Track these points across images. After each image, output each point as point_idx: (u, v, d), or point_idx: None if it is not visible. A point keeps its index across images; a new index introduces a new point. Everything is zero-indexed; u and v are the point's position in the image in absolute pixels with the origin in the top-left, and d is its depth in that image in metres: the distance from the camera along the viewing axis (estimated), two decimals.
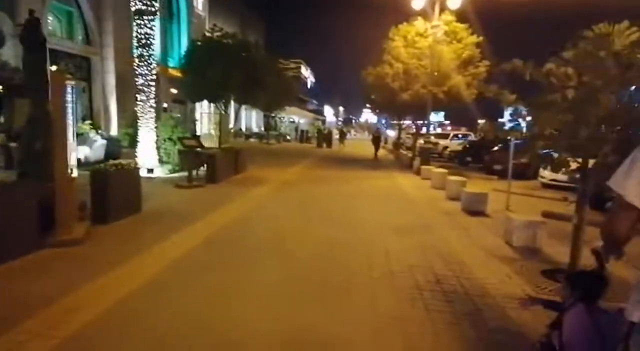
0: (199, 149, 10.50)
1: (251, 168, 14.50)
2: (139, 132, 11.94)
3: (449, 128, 31.56)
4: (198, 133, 27.54)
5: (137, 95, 11.93)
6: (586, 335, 1.65)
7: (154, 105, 12.18)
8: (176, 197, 9.22)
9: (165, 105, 24.05)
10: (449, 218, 8.32)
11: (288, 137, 38.78)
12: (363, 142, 41.68)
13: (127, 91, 17.29)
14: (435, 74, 18.47)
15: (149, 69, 11.95)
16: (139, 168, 7.72)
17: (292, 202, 9.22)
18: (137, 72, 11.88)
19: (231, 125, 37.84)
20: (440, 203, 9.89)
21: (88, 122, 15.77)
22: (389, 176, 15.22)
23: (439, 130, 33.65)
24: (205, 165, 10.90)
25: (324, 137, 31.81)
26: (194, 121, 27.81)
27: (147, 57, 11.88)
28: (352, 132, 60.05)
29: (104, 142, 13.09)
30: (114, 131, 19.22)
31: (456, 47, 19.16)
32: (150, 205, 7.72)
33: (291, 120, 45.76)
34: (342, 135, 37.39)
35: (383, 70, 20.47)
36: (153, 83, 12.08)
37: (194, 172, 10.45)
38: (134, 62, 12.00)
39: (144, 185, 7.86)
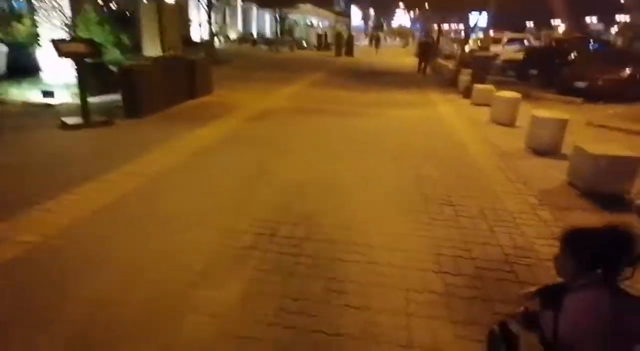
0: (88, 60, 6.24)
1: (226, 88, 10.22)
2: (40, 32, 7.72)
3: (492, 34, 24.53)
4: (200, 38, 22.55)
5: None
6: (600, 327, 1.17)
7: None
8: (28, 150, 5.34)
9: None
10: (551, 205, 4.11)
11: (304, 44, 32.93)
12: (394, 50, 35.40)
13: None
14: None
15: None
16: None
17: (248, 162, 5.17)
18: None
19: (239, 28, 32.01)
20: (524, 167, 5.56)
21: None
22: (424, 100, 10.59)
23: (480, 35, 26.81)
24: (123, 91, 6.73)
25: (344, 43, 25.97)
26: (187, 22, 22.67)
27: None
28: (387, 39, 52.11)
29: (3, 49, 8.96)
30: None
31: None
32: None
33: (309, 23, 38.92)
34: (377, 41, 31.36)
35: None
36: None
37: (96, 100, 6.37)
38: None
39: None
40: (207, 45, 18.00)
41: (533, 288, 1.66)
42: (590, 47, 16.48)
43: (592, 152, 4.24)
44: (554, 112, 6.33)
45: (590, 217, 3.81)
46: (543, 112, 6.18)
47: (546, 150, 5.85)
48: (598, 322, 1.21)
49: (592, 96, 11.05)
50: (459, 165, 5.26)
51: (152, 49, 11.25)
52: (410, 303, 2.56)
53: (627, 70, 11.39)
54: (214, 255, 3.03)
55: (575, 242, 1.40)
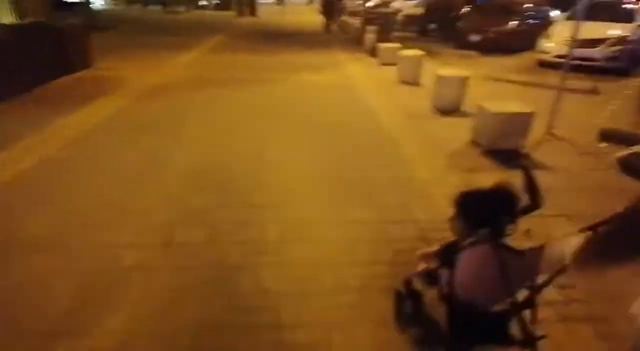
0: None
1: (110, 60, 8.89)
2: None
3: None
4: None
5: None
6: (489, 276, 1.34)
7: None
8: None
9: None
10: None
11: (204, 2, 30.30)
12: (300, 8, 34.20)
13: None
14: None
15: None
16: None
17: (135, 153, 4.46)
18: None
19: None
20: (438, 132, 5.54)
21: None
22: (332, 61, 10.26)
23: None
24: None
25: (247, 2, 24.35)
26: None
27: None
28: None
29: None
30: None
31: None
32: None
33: None
34: None
35: None
36: None
37: None
38: None
39: None
40: (84, 8, 15.54)
41: (431, 249, 1.78)
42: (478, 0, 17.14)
43: (492, 110, 4.29)
44: (456, 70, 6.41)
45: (492, 177, 3.88)
46: (446, 71, 6.22)
47: (451, 108, 5.94)
48: (485, 272, 1.36)
49: (485, 49, 11.62)
50: (371, 134, 5.08)
51: (4, 16, 9.22)
52: (328, 311, 2.31)
53: (513, 23, 12.08)
54: (83, 286, 2.43)
55: (464, 204, 1.55)
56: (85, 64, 7.96)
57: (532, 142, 4.52)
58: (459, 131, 5.03)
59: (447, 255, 1.58)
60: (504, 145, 4.30)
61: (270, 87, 7.33)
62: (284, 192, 3.59)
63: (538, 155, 4.33)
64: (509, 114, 4.21)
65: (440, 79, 6.02)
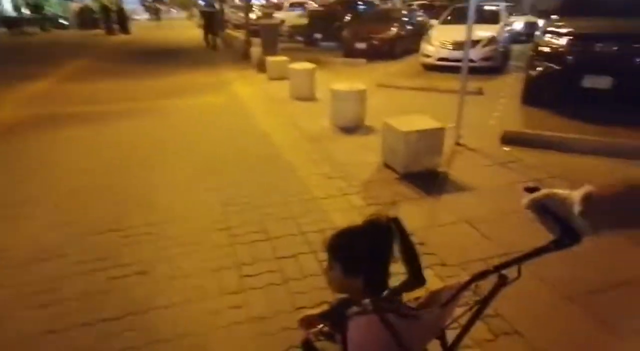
0: None
1: None
2: None
3: None
4: None
5: None
6: (385, 347, 1.13)
7: None
8: None
9: None
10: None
11: (64, 22, 26.65)
12: (179, 22, 32.20)
13: None
14: None
15: None
16: None
17: None
18: None
19: None
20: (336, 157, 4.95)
21: None
22: (218, 80, 9.28)
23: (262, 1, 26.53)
24: None
25: (115, 17, 21.78)
26: None
27: None
28: (170, 10, 47.19)
29: None
30: None
31: None
32: None
33: None
34: (156, 13, 28.21)
35: None
36: None
37: None
38: None
39: None
40: None
41: (315, 311, 1.53)
42: (359, 9, 17.56)
43: (402, 129, 3.84)
44: (351, 83, 5.97)
45: (419, 209, 3.38)
46: (341, 85, 5.74)
47: (352, 125, 5.46)
48: (379, 346, 1.16)
49: (371, 55, 11.70)
50: (267, 166, 4.31)
51: None
52: None
53: (394, 29, 12.41)
54: None
55: (334, 247, 1.29)
56: None
57: (445, 157, 4.18)
58: (366, 152, 4.52)
59: (334, 321, 1.37)
60: (420, 167, 3.87)
61: (146, 119, 6.15)
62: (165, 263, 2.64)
63: (455, 173, 3.98)
64: (420, 132, 3.78)
65: (336, 94, 5.52)
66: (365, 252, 1.24)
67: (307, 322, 1.53)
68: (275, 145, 4.93)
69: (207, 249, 2.87)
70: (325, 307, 1.54)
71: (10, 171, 4.26)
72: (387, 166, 4.15)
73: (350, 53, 12.30)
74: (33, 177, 4.13)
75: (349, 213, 3.26)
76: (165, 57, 13.19)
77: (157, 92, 8.00)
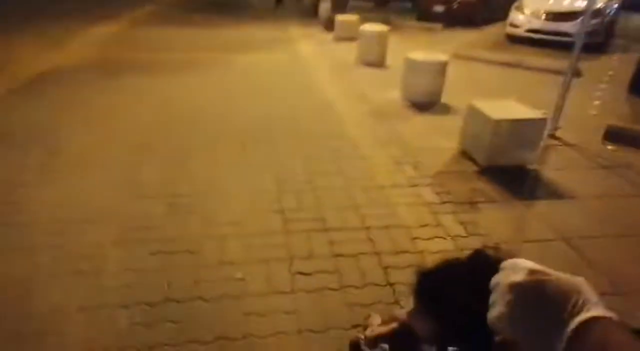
0: None
1: None
2: None
3: None
4: None
5: None
6: None
7: None
8: None
9: None
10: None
11: None
12: None
13: None
14: None
15: None
16: None
17: None
18: None
19: None
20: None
21: None
22: (283, 37, 8.79)
23: None
24: None
25: None
26: None
27: None
28: None
29: None
30: None
31: None
32: None
33: None
34: None
35: None
36: None
37: None
38: None
39: None
40: None
41: (381, 329, 1.05)
42: None
43: (491, 115, 3.24)
44: (430, 53, 5.27)
45: (498, 214, 2.86)
46: (418, 54, 5.07)
47: (428, 101, 4.86)
48: None
49: (449, 21, 10.59)
50: (327, 141, 3.89)
51: None
52: None
53: None
54: None
55: (425, 294, 0.81)
56: None
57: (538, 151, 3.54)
58: (441, 136, 3.97)
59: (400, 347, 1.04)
60: (507, 161, 3.29)
61: (205, 73, 5.89)
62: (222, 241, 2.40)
63: (550, 174, 3.36)
64: (515, 121, 3.17)
65: (411, 64, 4.90)
66: (467, 310, 0.85)
67: (367, 341, 1.23)
68: (338, 117, 4.48)
69: (259, 233, 2.58)
70: (394, 326, 1.20)
71: (74, 122, 4.17)
72: (464, 155, 3.60)
73: (426, 16, 11.22)
74: (95, 127, 4.02)
75: (419, 211, 2.82)
76: (232, 8, 12.78)
77: (219, 45, 7.68)
